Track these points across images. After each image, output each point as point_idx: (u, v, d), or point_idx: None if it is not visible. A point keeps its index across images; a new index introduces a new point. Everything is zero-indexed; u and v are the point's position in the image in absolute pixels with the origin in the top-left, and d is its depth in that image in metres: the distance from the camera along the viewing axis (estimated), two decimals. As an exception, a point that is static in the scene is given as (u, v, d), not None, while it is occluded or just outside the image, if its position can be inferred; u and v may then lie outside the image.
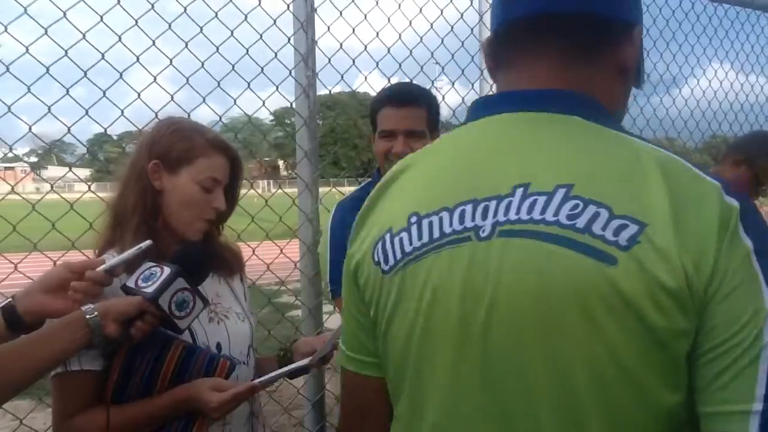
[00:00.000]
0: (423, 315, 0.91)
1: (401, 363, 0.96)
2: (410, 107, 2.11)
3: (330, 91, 2.60)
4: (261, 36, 2.28)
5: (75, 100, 1.91)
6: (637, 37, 0.95)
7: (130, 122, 2.11)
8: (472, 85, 2.97)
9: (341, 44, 2.52)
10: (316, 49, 2.41)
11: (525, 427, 0.83)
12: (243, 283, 1.82)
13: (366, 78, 2.58)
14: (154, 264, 1.41)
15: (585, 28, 0.92)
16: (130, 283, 1.39)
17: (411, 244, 0.93)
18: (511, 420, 0.84)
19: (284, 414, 2.87)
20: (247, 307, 1.77)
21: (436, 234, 0.90)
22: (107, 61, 2.01)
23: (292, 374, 1.73)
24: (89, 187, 2.08)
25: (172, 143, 1.57)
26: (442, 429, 0.91)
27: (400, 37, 2.72)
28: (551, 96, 0.92)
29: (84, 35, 1.95)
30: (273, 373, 1.60)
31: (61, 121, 1.92)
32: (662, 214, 0.77)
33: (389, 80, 2.43)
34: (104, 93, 2.02)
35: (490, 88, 2.95)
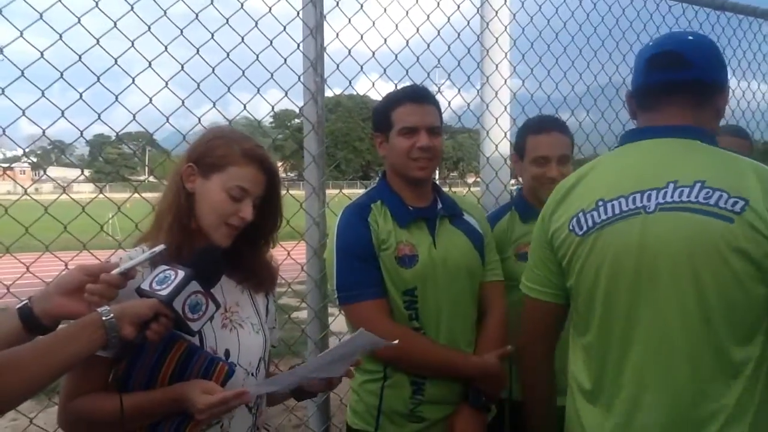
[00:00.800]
0: (608, 264, 1.53)
1: (589, 300, 1.58)
2: (429, 105, 2.14)
3: (334, 94, 2.61)
4: (271, 42, 2.31)
5: (89, 105, 1.94)
6: (726, 92, 1.63)
7: (140, 125, 2.14)
8: (478, 91, 2.99)
9: (350, 51, 2.56)
10: (325, 55, 2.43)
11: (680, 332, 1.44)
12: (269, 299, 1.83)
13: (374, 84, 2.60)
14: (169, 267, 1.44)
15: (697, 88, 1.57)
16: (145, 286, 1.41)
17: (600, 217, 1.55)
18: (671, 329, 1.45)
19: (286, 414, 2.88)
20: (265, 321, 1.77)
21: (617, 211, 1.52)
22: (120, 66, 2.04)
23: (296, 395, 1.76)
24: (101, 190, 2.10)
25: (210, 149, 1.61)
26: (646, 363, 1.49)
27: (407, 44, 2.75)
28: (682, 128, 1.57)
29: (98, 40, 1.98)
30: (265, 383, 1.62)
31: (74, 126, 1.95)
32: (758, 195, 1.40)
33: (396, 85, 2.46)
34: (116, 98, 2.05)
35: (495, 94, 2.98)
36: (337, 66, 2.51)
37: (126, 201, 2.16)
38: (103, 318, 1.29)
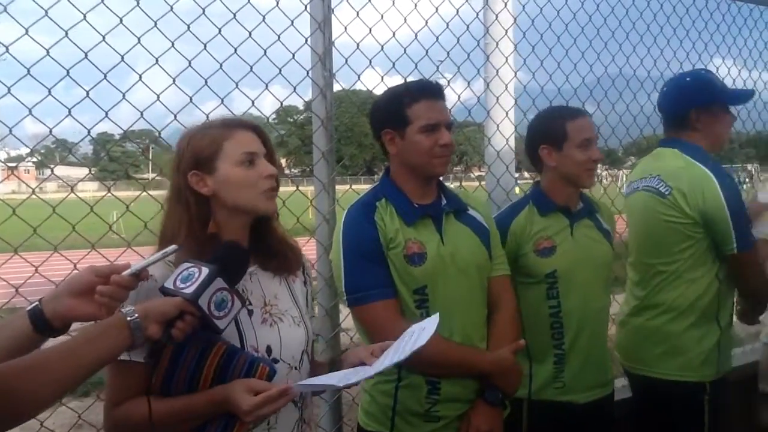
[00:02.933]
0: (627, 216, 2.80)
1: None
2: (443, 100, 2.10)
3: (343, 88, 2.57)
4: (279, 37, 2.28)
5: (95, 103, 1.91)
6: (704, 113, 2.58)
7: (147, 122, 2.11)
8: (488, 84, 2.96)
9: (358, 45, 2.52)
10: (333, 49, 2.40)
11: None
12: (307, 286, 1.82)
13: (382, 78, 2.57)
14: (192, 264, 1.41)
15: (669, 122, 2.70)
16: (169, 285, 1.39)
17: (626, 190, 2.80)
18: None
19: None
20: (305, 311, 1.75)
21: (631, 189, 2.71)
22: (126, 63, 2.00)
23: (316, 392, 1.73)
24: (109, 189, 2.08)
25: (197, 148, 1.59)
26: None
27: (416, 37, 2.71)
28: (667, 141, 2.67)
29: (104, 37, 1.94)
30: (311, 383, 1.56)
31: (81, 124, 1.92)
32: (684, 189, 2.43)
33: (405, 80, 2.42)
34: (123, 95, 2.03)
35: (505, 87, 2.95)
36: (346, 60, 2.47)
37: (135, 199, 2.14)
38: (128, 318, 1.28)
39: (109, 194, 2.18)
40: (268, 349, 1.59)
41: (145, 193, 2.08)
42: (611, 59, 3.49)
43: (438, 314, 1.62)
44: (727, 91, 2.65)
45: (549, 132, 2.36)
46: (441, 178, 2.20)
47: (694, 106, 2.56)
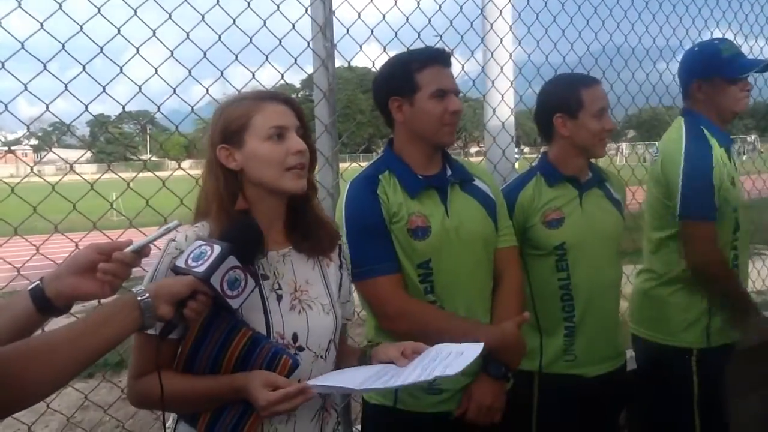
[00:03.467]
0: None
1: None
2: (451, 68, 2.05)
3: (345, 60, 2.51)
4: (278, 7, 2.22)
5: (92, 77, 1.87)
6: (696, 83, 2.59)
7: (146, 97, 2.06)
8: (491, 53, 2.90)
9: (359, 14, 2.45)
10: (334, 19, 2.34)
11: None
12: (342, 270, 1.77)
13: (385, 48, 2.50)
14: (204, 242, 1.37)
15: (681, 87, 2.70)
16: (180, 263, 1.35)
17: None
18: None
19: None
20: (336, 297, 1.70)
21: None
22: (123, 36, 1.95)
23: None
24: (109, 166, 2.03)
25: (228, 121, 1.54)
26: None
27: (418, 5, 2.64)
28: (682, 111, 2.65)
29: (99, 9, 1.89)
30: (328, 381, 1.52)
31: (79, 100, 1.87)
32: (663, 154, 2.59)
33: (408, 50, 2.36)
34: (121, 69, 1.97)
35: (510, 56, 2.89)
36: (347, 30, 2.41)
37: (132, 179, 2.10)
38: (139, 298, 1.24)
39: (109, 174, 2.14)
40: (294, 337, 1.54)
41: (140, 174, 2.04)
42: (616, 27, 3.42)
43: (482, 344, 1.56)
44: (731, 62, 2.54)
45: (564, 100, 2.29)
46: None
47: (695, 78, 2.59)
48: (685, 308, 2.53)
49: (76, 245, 1.83)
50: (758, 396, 3.33)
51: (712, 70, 2.54)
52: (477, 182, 2.15)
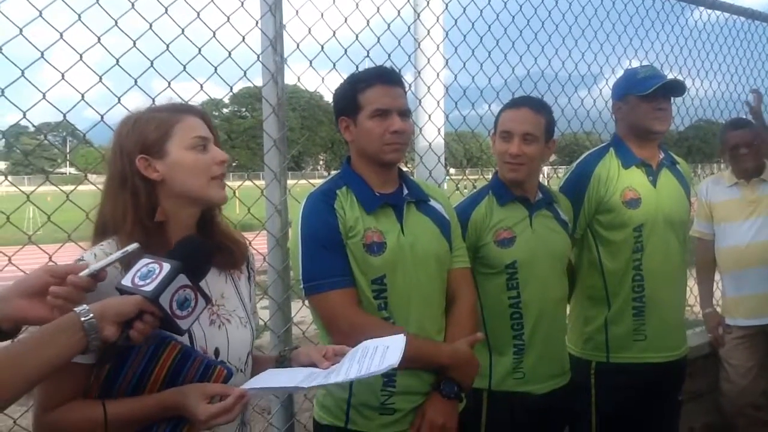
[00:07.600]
0: None
1: None
2: (399, 86, 2.06)
3: (299, 79, 2.47)
4: (228, 18, 2.18)
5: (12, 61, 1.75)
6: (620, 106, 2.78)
7: (91, 105, 1.97)
8: (419, 72, 2.92)
9: (309, 29, 2.43)
10: (285, 34, 2.32)
11: None
12: (250, 282, 1.74)
13: (335, 65, 2.49)
14: (152, 260, 1.30)
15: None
16: (126, 282, 1.28)
17: None
18: None
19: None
20: (251, 310, 1.69)
21: None
22: (66, 42, 1.86)
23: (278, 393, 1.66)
24: (46, 175, 1.93)
25: (143, 131, 1.49)
26: None
27: (368, 24, 2.65)
28: None
29: (40, 13, 1.80)
30: (262, 384, 1.49)
31: (16, 106, 1.77)
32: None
33: (357, 68, 2.37)
34: (62, 75, 1.88)
35: (437, 76, 2.91)
36: (297, 45, 2.38)
37: (32, 192, 1.96)
38: (82, 318, 1.17)
39: (16, 189, 1.99)
40: (216, 352, 1.51)
41: (59, 188, 1.94)
42: (541, 50, 3.49)
43: (404, 335, 1.58)
44: (644, 81, 2.60)
45: (495, 119, 2.43)
46: (404, 168, 2.17)
47: (615, 100, 2.79)
48: (585, 321, 2.68)
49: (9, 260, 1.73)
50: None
51: (626, 89, 2.69)
52: (432, 202, 2.17)
